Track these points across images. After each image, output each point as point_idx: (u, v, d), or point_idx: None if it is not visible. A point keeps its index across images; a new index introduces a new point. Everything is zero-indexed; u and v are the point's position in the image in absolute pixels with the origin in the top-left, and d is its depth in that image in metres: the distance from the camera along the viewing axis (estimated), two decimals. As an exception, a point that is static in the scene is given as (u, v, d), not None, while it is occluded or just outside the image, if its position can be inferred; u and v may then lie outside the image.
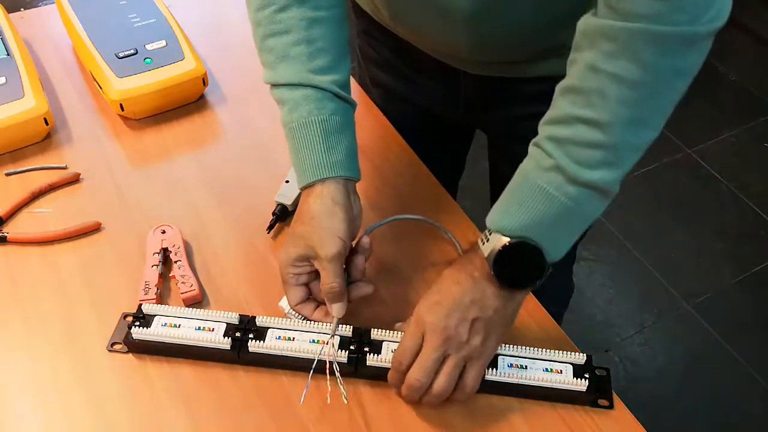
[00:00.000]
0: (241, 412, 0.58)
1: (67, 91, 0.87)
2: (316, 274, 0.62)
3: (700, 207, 1.83)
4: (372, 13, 0.80)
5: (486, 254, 0.56)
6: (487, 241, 0.57)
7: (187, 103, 0.86)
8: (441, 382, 0.56)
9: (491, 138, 0.91)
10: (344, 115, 0.64)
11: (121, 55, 0.82)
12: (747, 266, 1.69)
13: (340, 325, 0.61)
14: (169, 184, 0.77)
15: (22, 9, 1.02)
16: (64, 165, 0.77)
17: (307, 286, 0.63)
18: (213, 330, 0.61)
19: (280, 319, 0.62)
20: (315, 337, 0.61)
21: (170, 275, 0.67)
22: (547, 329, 0.65)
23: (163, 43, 0.84)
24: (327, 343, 0.59)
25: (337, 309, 0.61)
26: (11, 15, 0.94)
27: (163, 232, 0.70)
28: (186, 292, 0.65)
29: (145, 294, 0.64)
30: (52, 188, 0.75)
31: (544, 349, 0.61)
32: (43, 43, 0.93)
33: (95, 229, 0.71)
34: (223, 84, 0.89)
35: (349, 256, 0.62)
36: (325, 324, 0.61)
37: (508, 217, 0.56)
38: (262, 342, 0.60)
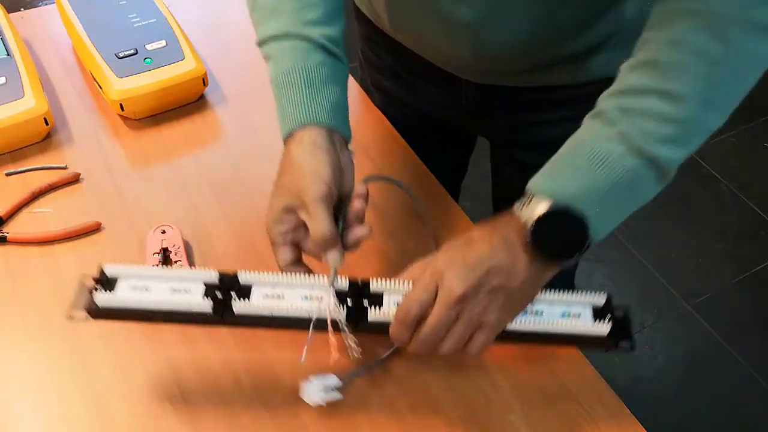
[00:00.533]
0: (241, 411, 0.58)
1: (67, 91, 0.87)
2: (305, 231, 0.57)
3: (700, 207, 1.83)
4: (372, 19, 0.80)
5: (525, 219, 0.52)
6: (528, 205, 0.52)
7: (187, 103, 0.86)
8: (449, 346, 0.52)
9: (493, 143, 0.91)
10: (333, 69, 0.60)
11: (121, 55, 0.82)
12: (747, 266, 1.69)
13: (337, 277, 0.56)
14: (169, 184, 0.77)
15: (22, 9, 1.02)
16: (64, 165, 0.77)
17: (298, 246, 0.58)
18: (190, 291, 0.55)
19: (266, 273, 0.56)
20: (307, 292, 0.55)
21: (170, 275, 0.67)
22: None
23: (163, 43, 0.84)
24: (322, 299, 0.54)
25: (333, 257, 0.55)
26: (11, 15, 0.94)
27: (163, 232, 0.70)
28: (186, 292, 0.65)
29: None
30: (52, 188, 0.75)
31: (559, 291, 0.56)
32: (43, 43, 0.93)
33: (95, 229, 0.71)
34: (223, 84, 0.89)
35: (340, 205, 0.58)
36: (317, 277, 0.56)
37: (556, 181, 0.52)
38: (247, 301, 0.54)
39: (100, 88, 0.83)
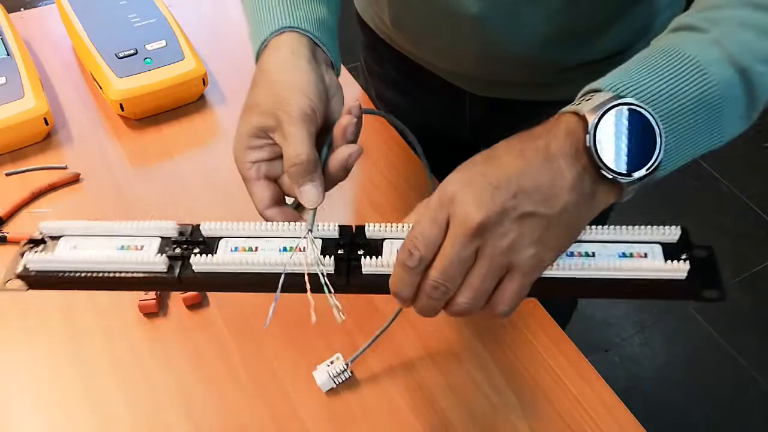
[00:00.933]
0: (241, 412, 0.58)
1: (67, 91, 0.87)
2: (280, 161, 0.47)
3: (700, 207, 1.83)
4: (374, 27, 0.79)
5: (584, 112, 0.40)
6: (587, 101, 0.41)
7: (187, 103, 0.86)
8: (466, 298, 0.40)
9: None
10: None
11: (121, 55, 0.82)
12: (747, 266, 1.69)
13: (320, 224, 0.45)
14: (169, 184, 0.77)
15: (22, 9, 1.02)
16: (64, 165, 0.77)
17: (277, 182, 0.48)
18: (142, 248, 0.46)
19: (237, 223, 0.46)
20: (286, 243, 0.45)
21: (170, 275, 0.67)
22: (552, 336, 0.65)
23: (163, 43, 0.84)
24: (301, 249, 0.43)
25: (309, 192, 0.45)
26: (11, 15, 0.94)
27: (163, 232, 0.69)
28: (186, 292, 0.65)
29: (145, 294, 0.64)
30: (52, 188, 0.75)
31: (616, 226, 0.43)
32: (43, 43, 0.93)
33: (95, 229, 0.71)
34: (223, 84, 0.89)
35: (325, 136, 0.48)
36: (298, 225, 0.45)
37: (631, 76, 0.41)
38: (211, 257, 0.44)
39: (100, 88, 0.83)
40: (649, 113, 0.39)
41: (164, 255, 0.45)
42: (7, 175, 0.76)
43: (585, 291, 0.43)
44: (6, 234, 0.70)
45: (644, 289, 0.42)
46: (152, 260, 0.44)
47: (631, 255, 0.42)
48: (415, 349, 0.62)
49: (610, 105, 0.39)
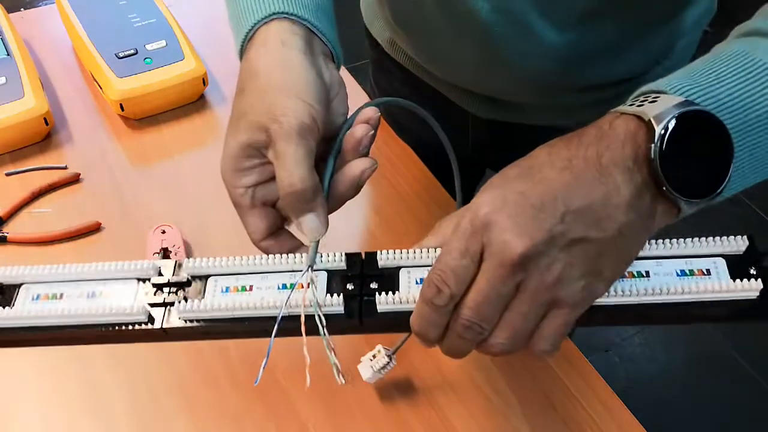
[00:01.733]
0: (241, 414, 0.58)
1: (67, 91, 0.87)
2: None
3: (702, 209, 1.82)
4: (381, 41, 0.78)
5: (649, 117, 0.34)
6: (651, 103, 0.35)
7: (187, 103, 0.86)
8: (503, 338, 0.34)
9: None
10: None
11: (121, 55, 0.82)
12: (747, 266, 1.69)
13: (323, 254, 0.39)
14: (169, 184, 0.77)
15: (22, 9, 1.02)
16: (64, 165, 0.77)
17: (275, 206, 0.42)
18: (115, 294, 0.40)
19: (227, 258, 0.40)
20: (286, 279, 0.39)
21: (170, 275, 0.67)
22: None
23: (163, 43, 0.84)
24: (302, 286, 0.37)
25: (308, 224, 0.39)
26: (11, 15, 0.94)
27: (163, 232, 0.70)
28: (186, 292, 0.65)
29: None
30: (52, 188, 0.75)
31: (672, 239, 0.38)
32: (43, 43, 0.93)
33: (95, 229, 0.71)
34: (223, 84, 0.89)
35: (327, 146, 0.41)
36: (297, 256, 0.39)
37: (700, 81, 0.35)
38: (198, 302, 0.38)
39: (100, 88, 0.83)
40: (724, 125, 0.34)
41: (144, 303, 0.39)
42: (7, 175, 0.76)
43: (638, 318, 0.37)
44: (6, 234, 0.70)
45: (708, 313, 0.37)
46: (129, 310, 0.38)
47: (692, 273, 0.37)
48: (416, 350, 0.62)
49: (682, 111, 0.33)
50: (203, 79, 0.84)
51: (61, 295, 0.40)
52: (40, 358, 0.61)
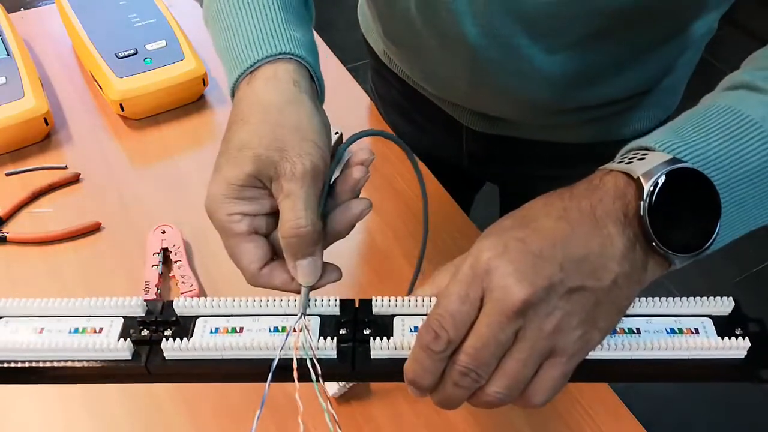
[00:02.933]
0: (241, 414, 0.58)
1: (67, 91, 0.87)
2: (273, 221, 0.40)
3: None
4: (377, 50, 0.78)
5: (639, 174, 0.34)
6: (640, 160, 0.35)
7: (187, 103, 0.86)
8: (499, 387, 0.34)
9: (501, 188, 0.86)
10: (305, 8, 0.47)
11: (121, 55, 0.82)
12: (747, 266, 1.69)
13: (317, 298, 0.39)
14: (169, 184, 0.77)
15: (22, 9, 1.02)
16: (64, 165, 0.77)
17: (268, 237, 0.41)
18: (101, 330, 0.38)
19: (217, 299, 0.39)
20: (278, 322, 0.38)
21: (170, 275, 0.67)
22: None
23: (163, 43, 0.84)
24: (295, 330, 0.37)
25: (306, 268, 0.38)
26: (11, 15, 0.94)
27: (163, 232, 0.70)
28: (186, 292, 0.65)
29: (146, 294, 0.64)
30: (52, 188, 0.75)
31: (661, 298, 0.39)
32: (43, 43, 0.93)
33: (95, 229, 0.71)
34: (223, 84, 0.89)
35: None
36: (289, 297, 0.39)
37: (683, 136, 0.36)
38: (186, 341, 0.37)
39: (100, 88, 0.83)
40: (711, 182, 0.35)
41: (128, 339, 0.37)
42: (7, 175, 0.76)
43: (629, 375, 0.38)
44: (6, 234, 0.70)
45: (695, 371, 0.37)
46: (113, 346, 0.37)
47: (681, 331, 0.38)
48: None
49: (670, 169, 0.34)
50: (203, 79, 0.84)
51: (42, 329, 0.39)
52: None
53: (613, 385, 0.60)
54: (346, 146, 0.42)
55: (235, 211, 0.39)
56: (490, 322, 0.33)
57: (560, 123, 0.65)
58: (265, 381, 0.36)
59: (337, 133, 0.75)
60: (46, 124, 0.79)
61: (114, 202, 0.74)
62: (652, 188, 0.34)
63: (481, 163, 0.78)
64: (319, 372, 0.36)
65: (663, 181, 0.34)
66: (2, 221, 0.72)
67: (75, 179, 0.76)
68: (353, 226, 0.41)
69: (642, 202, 0.34)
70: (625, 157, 0.37)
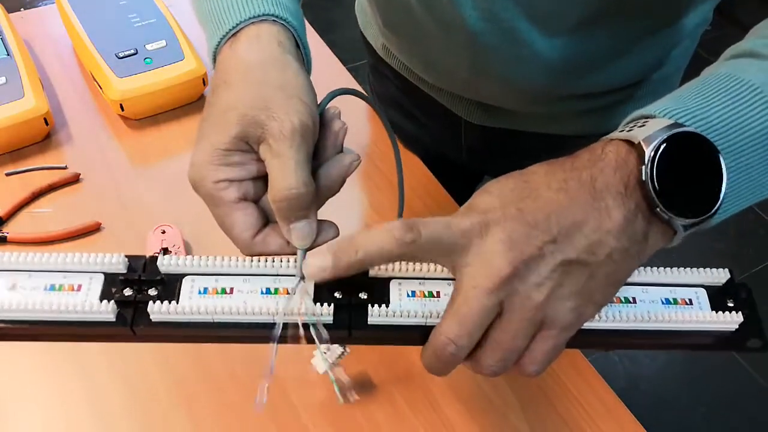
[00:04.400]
0: (241, 413, 0.58)
1: (67, 91, 0.87)
2: (263, 185, 0.39)
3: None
4: (375, 46, 0.78)
5: (640, 139, 0.34)
6: (640, 127, 0.35)
7: (187, 103, 0.86)
8: (493, 357, 0.34)
9: None
10: None
11: (121, 55, 0.82)
12: (747, 266, 1.69)
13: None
14: (169, 184, 0.77)
15: (22, 9, 1.02)
16: (64, 165, 0.77)
17: (257, 203, 0.39)
18: (80, 288, 0.36)
19: (206, 258, 0.37)
20: (269, 283, 0.37)
21: (170, 275, 0.67)
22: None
23: (163, 43, 0.84)
24: (289, 291, 0.36)
25: (301, 231, 0.37)
26: (11, 15, 0.94)
27: (163, 232, 0.70)
28: (186, 292, 0.65)
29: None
30: (52, 188, 0.75)
31: (659, 268, 0.39)
32: (43, 43, 0.93)
33: (95, 229, 0.71)
34: (223, 84, 0.89)
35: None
36: (284, 260, 0.37)
37: (686, 103, 0.36)
38: (175, 304, 0.36)
39: (100, 88, 0.83)
40: (714, 146, 0.34)
41: (112, 301, 0.35)
42: (7, 175, 0.76)
43: (623, 343, 0.39)
44: (6, 234, 0.70)
45: (688, 341, 0.38)
46: (96, 308, 0.35)
47: (676, 301, 0.38)
48: (415, 349, 0.62)
49: (671, 133, 0.34)
50: (203, 79, 0.84)
51: (14, 285, 0.37)
52: (40, 358, 0.61)
53: (613, 385, 0.60)
54: (321, 109, 0.40)
55: (222, 178, 0.37)
56: (476, 284, 0.32)
57: (558, 112, 0.65)
58: (258, 343, 0.35)
59: None
60: (46, 124, 0.78)
61: (114, 202, 0.74)
62: (653, 152, 0.33)
63: (480, 156, 0.78)
64: (327, 338, 0.35)
65: (664, 145, 0.33)
66: (2, 221, 0.72)
67: (75, 179, 0.76)
68: (344, 181, 0.40)
69: (643, 167, 0.34)
70: (627, 126, 0.37)
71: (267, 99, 0.37)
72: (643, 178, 0.34)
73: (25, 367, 0.61)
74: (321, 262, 0.34)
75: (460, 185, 0.81)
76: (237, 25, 0.40)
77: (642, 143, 0.34)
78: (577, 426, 0.58)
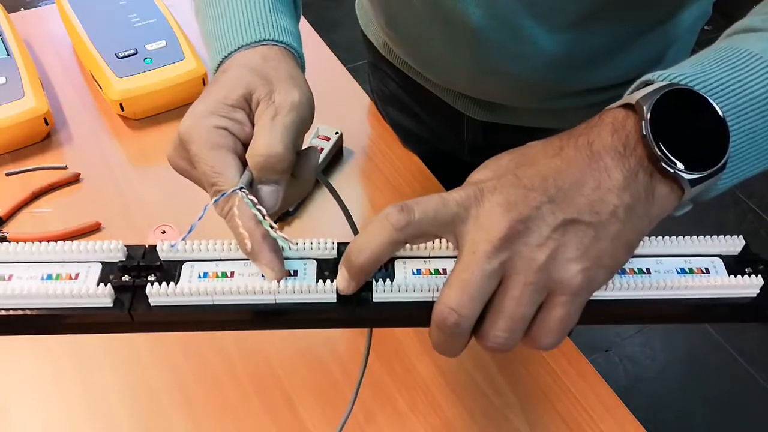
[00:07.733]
0: (241, 413, 0.58)
1: (67, 91, 0.87)
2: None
3: (700, 207, 1.82)
4: (377, 44, 0.78)
5: (637, 99, 0.34)
6: (639, 90, 0.35)
7: (187, 103, 0.85)
8: (500, 326, 0.32)
9: None
10: (293, 4, 0.48)
11: (121, 55, 0.82)
12: (747, 266, 1.69)
13: (314, 241, 0.37)
14: (169, 184, 0.77)
15: (22, 9, 1.02)
16: (64, 165, 0.77)
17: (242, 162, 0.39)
18: (77, 276, 0.35)
19: (205, 242, 0.38)
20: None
21: (170, 275, 0.67)
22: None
23: (163, 43, 0.84)
24: (291, 273, 0.35)
25: (267, 195, 0.38)
26: (11, 15, 0.94)
27: (163, 232, 0.70)
28: (186, 292, 0.65)
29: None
30: (52, 188, 0.75)
31: (671, 237, 0.38)
32: (43, 43, 0.93)
33: (95, 229, 0.71)
34: (223, 84, 0.89)
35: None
36: (286, 244, 0.37)
37: (686, 70, 0.35)
38: (174, 285, 0.35)
39: (100, 88, 0.83)
40: (716, 105, 0.34)
41: (108, 285, 0.35)
42: (7, 175, 0.76)
43: (641, 315, 0.37)
44: (6, 234, 0.70)
45: (708, 311, 0.36)
46: (92, 292, 0.34)
47: (692, 271, 0.37)
48: (415, 349, 0.62)
49: (669, 90, 0.33)
50: (203, 79, 0.84)
51: (11, 276, 0.36)
52: (41, 358, 0.61)
53: (613, 385, 0.60)
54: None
55: (222, 125, 0.38)
56: (475, 249, 0.32)
57: (560, 108, 0.65)
58: (259, 329, 0.36)
59: (337, 133, 0.75)
60: (46, 124, 0.79)
61: (114, 202, 0.74)
62: (650, 106, 0.33)
63: (482, 153, 0.77)
64: (264, 213, 0.36)
65: (663, 98, 0.33)
66: (2, 221, 0.72)
67: (75, 179, 0.76)
68: (314, 176, 0.42)
69: (643, 122, 0.33)
70: (629, 93, 0.36)
71: (271, 78, 0.39)
72: (644, 132, 0.33)
73: (26, 367, 0.61)
74: (341, 277, 0.34)
75: (461, 184, 0.80)
76: (241, 47, 0.42)
77: (640, 101, 0.34)
78: (577, 426, 0.58)
